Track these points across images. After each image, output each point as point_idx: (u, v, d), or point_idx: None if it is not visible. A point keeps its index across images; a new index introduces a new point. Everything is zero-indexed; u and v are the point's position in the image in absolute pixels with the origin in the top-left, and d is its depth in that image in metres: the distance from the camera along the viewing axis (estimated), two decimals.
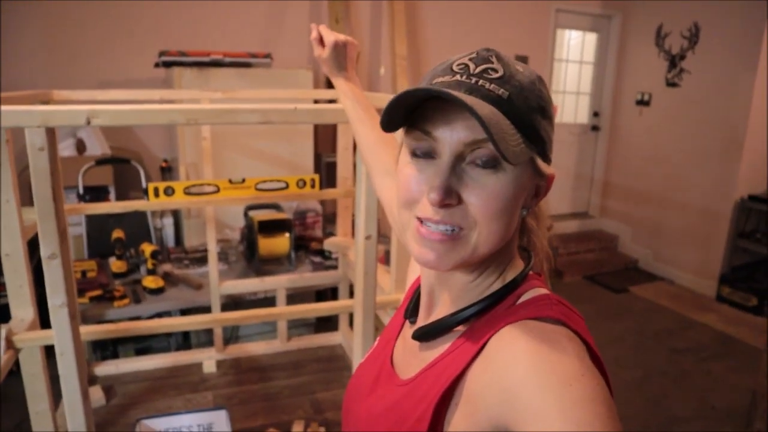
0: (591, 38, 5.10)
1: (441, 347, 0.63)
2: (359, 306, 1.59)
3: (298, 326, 3.16)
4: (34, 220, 1.97)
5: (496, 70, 0.57)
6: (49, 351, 1.73)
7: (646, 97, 4.72)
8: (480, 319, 0.61)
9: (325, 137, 3.83)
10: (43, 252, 1.15)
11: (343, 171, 2.82)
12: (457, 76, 0.57)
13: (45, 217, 1.12)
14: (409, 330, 0.72)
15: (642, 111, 4.78)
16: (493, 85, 0.56)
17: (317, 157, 3.61)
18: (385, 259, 2.67)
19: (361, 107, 1.06)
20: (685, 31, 4.31)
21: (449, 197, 0.56)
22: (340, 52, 1.11)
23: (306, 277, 2.91)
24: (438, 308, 0.68)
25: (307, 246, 3.27)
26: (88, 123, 1.06)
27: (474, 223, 0.57)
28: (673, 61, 4.43)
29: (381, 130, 0.62)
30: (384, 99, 1.92)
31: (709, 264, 4.26)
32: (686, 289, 4.39)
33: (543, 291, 0.62)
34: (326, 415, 2.39)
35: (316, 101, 3.17)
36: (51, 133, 1.11)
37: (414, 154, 0.60)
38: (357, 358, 1.64)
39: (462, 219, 0.57)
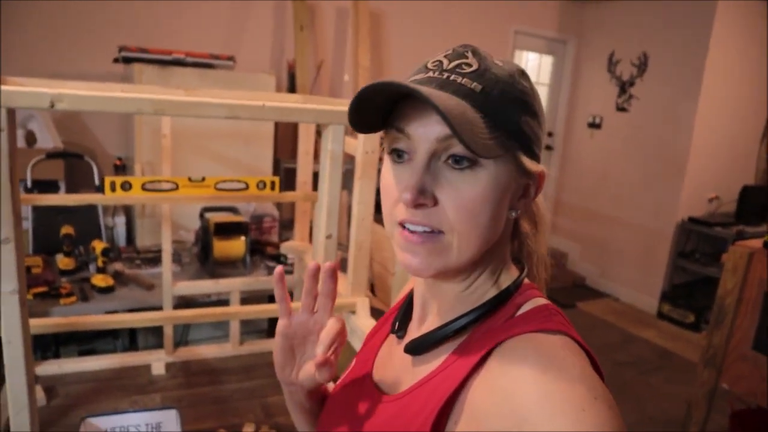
0: (547, 61, 5.29)
1: (436, 361, 0.60)
2: None
3: (250, 332, 3.12)
4: None
5: (470, 65, 0.55)
6: None
7: (597, 120, 4.92)
8: (477, 330, 0.59)
9: (285, 143, 3.82)
10: None
11: (302, 175, 2.83)
12: (430, 73, 0.56)
13: (1, 199, 1.09)
14: (396, 346, 0.68)
15: (593, 133, 4.97)
16: (465, 79, 0.54)
17: (276, 163, 3.60)
18: (342, 267, 2.69)
19: None
20: (634, 59, 4.53)
21: (423, 197, 0.54)
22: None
23: (261, 280, 2.88)
24: (429, 319, 0.65)
25: (263, 251, 3.25)
26: (52, 106, 1.05)
27: (452, 227, 0.55)
28: (623, 87, 4.65)
29: None
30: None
31: (652, 282, 4.45)
32: (629, 306, 4.57)
33: (543, 301, 0.60)
34: (277, 419, 2.37)
35: None
36: (12, 114, 1.09)
37: (392, 156, 0.58)
38: None
39: (440, 222, 0.55)
